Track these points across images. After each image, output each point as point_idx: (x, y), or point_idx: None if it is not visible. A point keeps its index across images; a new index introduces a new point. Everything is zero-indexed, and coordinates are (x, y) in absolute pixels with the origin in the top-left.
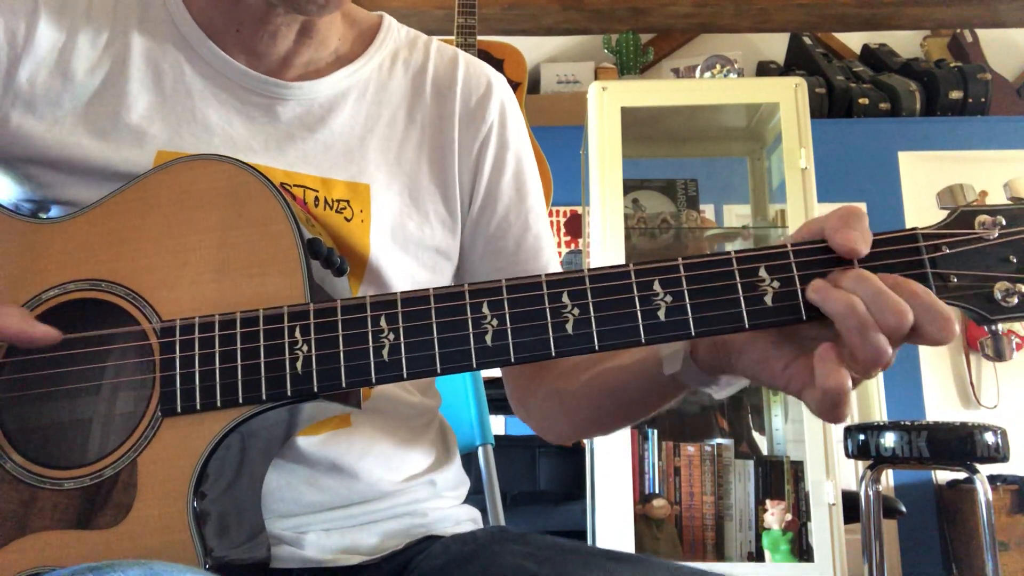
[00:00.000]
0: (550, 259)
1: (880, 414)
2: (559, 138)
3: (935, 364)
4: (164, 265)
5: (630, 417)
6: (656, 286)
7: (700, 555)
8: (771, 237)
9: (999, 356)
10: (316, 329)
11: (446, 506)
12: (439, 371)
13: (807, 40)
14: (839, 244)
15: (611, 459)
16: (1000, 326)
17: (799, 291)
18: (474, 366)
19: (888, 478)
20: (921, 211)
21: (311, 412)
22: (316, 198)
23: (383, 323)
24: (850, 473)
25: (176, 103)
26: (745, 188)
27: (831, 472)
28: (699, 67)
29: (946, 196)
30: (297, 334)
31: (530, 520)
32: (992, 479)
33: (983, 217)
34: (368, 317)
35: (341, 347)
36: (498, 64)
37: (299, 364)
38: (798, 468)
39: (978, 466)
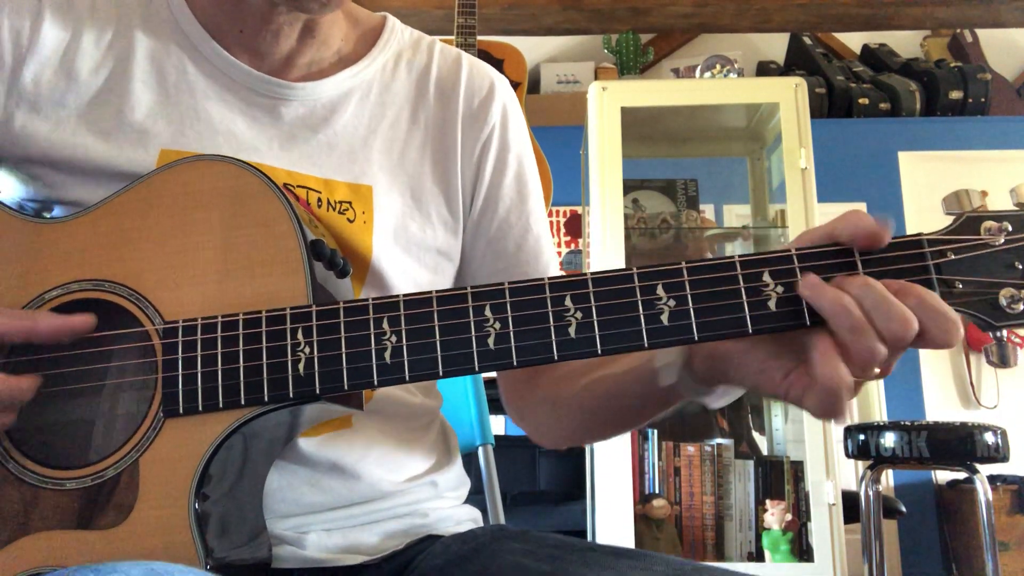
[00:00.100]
0: (550, 261)
1: (880, 414)
2: (559, 138)
3: (935, 364)
4: (167, 265)
5: (624, 425)
6: (659, 290)
7: (700, 555)
8: (771, 237)
9: (1004, 363)
10: (319, 331)
11: (447, 506)
12: (441, 374)
13: (807, 40)
14: (857, 233)
15: (611, 459)
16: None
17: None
18: (476, 369)
19: (888, 478)
20: (921, 211)
21: (313, 413)
22: (319, 199)
23: (386, 325)
24: (850, 473)
25: (179, 102)
26: (745, 188)
27: (831, 472)
28: (699, 67)
29: (952, 201)
30: (300, 336)
31: (530, 520)
32: (992, 479)
33: (989, 223)
34: (371, 319)
35: (344, 349)
36: (498, 64)
37: (301, 366)
38: (798, 468)
39: (978, 466)
